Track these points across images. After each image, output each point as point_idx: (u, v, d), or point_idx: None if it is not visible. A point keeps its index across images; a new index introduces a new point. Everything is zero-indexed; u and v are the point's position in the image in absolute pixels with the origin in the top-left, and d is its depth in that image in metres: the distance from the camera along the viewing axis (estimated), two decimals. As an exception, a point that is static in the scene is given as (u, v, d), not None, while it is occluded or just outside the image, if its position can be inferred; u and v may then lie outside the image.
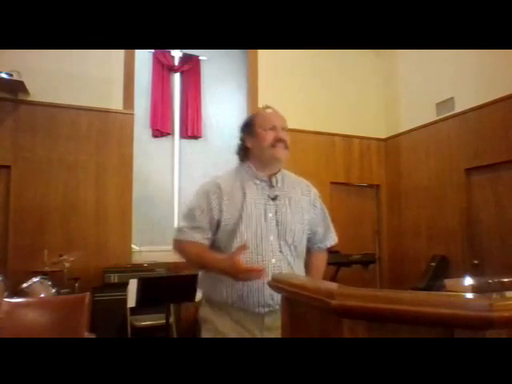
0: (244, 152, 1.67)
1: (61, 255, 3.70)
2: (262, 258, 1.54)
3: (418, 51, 5.11)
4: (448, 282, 1.70)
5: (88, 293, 2.64)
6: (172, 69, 5.58)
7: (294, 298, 1.01)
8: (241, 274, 1.44)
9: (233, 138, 1.85)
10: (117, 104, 4.63)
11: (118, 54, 4.64)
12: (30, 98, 4.25)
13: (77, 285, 3.73)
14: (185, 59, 5.61)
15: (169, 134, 5.53)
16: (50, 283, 3.43)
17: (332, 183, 5.44)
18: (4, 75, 3.92)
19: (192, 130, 5.57)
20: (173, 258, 3.19)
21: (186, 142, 5.64)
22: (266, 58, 5.27)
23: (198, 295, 2.62)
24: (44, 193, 4.24)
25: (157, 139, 5.48)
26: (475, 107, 4.45)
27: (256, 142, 1.62)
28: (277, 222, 1.58)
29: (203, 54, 5.66)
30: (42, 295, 3.27)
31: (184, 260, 1.66)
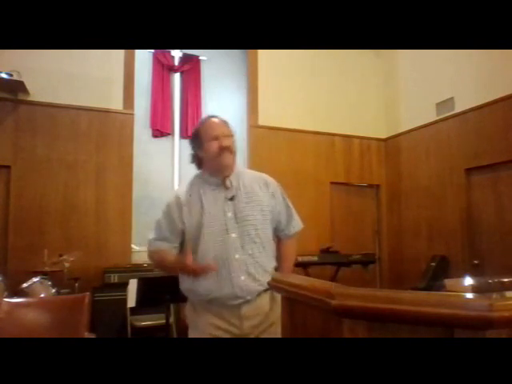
0: (198, 161, 1.80)
1: (61, 255, 3.69)
2: (227, 255, 1.66)
3: (418, 51, 5.11)
4: (448, 282, 1.70)
5: (88, 293, 2.64)
6: (172, 69, 5.57)
7: (294, 298, 1.01)
8: (192, 272, 1.61)
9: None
10: (117, 104, 4.62)
11: (118, 54, 4.64)
12: (30, 98, 4.25)
13: (77, 285, 3.72)
14: (185, 59, 5.60)
15: (169, 134, 5.52)
16: (49, 283, 3.42)
17: (332, 183, 5.45)
18: (4, 75, 3.92)
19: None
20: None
21: (186, 142, 5.56)
22: (266, 58, 5.27)
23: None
24: (44, 193, 4.24)
25: (157, 139, 5.47)
26: (475, 107, 4.45)
27: (204, 152, 1.74)
28: (236, 219, 1.69)
29: (203, 54, 5.66)
30: (42, 295, 3.27)
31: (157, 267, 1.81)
